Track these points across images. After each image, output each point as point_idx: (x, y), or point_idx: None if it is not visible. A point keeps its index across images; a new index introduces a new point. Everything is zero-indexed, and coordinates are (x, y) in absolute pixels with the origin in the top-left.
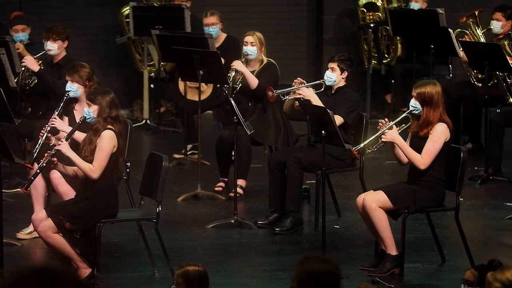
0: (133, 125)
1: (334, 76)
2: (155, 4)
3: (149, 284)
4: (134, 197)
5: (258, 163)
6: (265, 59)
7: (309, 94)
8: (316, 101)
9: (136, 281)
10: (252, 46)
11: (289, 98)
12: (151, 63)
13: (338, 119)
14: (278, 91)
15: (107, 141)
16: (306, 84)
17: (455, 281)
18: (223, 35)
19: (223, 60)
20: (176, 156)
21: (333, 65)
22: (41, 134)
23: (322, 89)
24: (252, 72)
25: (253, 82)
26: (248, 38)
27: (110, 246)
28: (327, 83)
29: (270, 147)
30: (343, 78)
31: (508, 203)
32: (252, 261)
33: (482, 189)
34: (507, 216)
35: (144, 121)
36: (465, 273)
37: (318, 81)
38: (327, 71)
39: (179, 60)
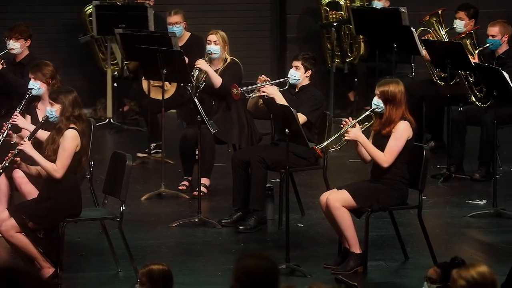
0: (97, 124)
1: (298, 75)
2: (118, 3)
3: (112, 283)
4: (98, 196)
5: (222, 162)
6: (229, 58)
7: (273, 92)
8: (280, 99)
9: (99, 280)
10: (215, 45)
11: (253, 95)
12: (115, 62)
13: (302, 118)
14: (243, 89)
15: (70, 140)
16: (270, 82)
17: (418, 278)
18: (187, 34)
19: (186, 59)
20: (140, 155)
21: (297, 63)
22: (1, 131)
23: (286, 87)
24: (216, 70)
25: (217, 80)
26: (212, 37)
27: (74, 245)
28: (291, 82)
29: (234, 146)
30: (307, 77)
31: (470, 201)
32: (216, 259)
33: (445, 187)
34: (469, 214)
35: (107, 120)
36: (428, 270)
37: (282, 79)
38: (291, 69)
39: (142, 59)
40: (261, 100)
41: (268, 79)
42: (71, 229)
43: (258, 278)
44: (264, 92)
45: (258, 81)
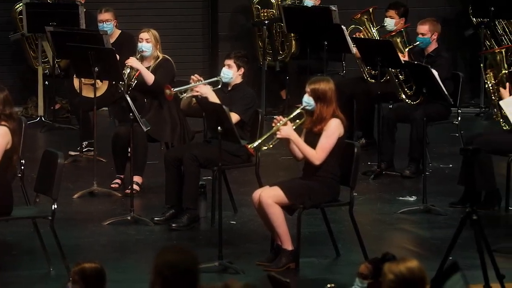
0: (28, 122)
1: (230, 73)
2: (49, 1)
3: (44, 281)
4: (29, 194)
5: (155, 160)
6: (161, 56)
7: (206, 91)
8: (213, 98)
9: (31, 279)
10: (147, 43)
11: (187, 96)
12: (46, 60)
13: (235, 117)
14: (176, 89)
15: (1, 138)
16: (203, 82)
17: (349, 274)
18: (117, 32)
19: (118, 57)
20: (72, 153)
21: (230, 62)
22: None
23: (219, 86)
24: (148, 68)
25: (149, 78)
26: (143, 35)
27: (5, 244)
28: (224, 80)
29: (167, 144)
30: (239, 75)
31: (400, 197)
32: (149, 257)
33: (375, 184)
34: (400, 210)
35: (38, 118)
36: (359, 266)
37: (215, 78)
38: (223, 68)
39: (73, 57)
40: (194, 100)
41: (201, 79)
42: (2, 227)
43: (180, 271)
44: (197, 91)
45: (190, 80)
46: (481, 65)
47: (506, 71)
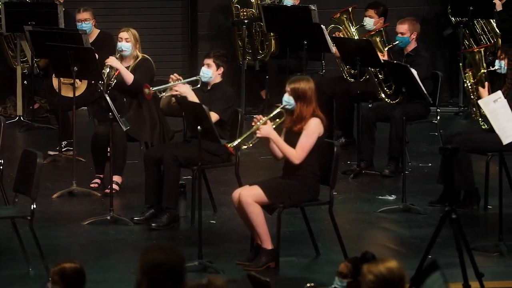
0: (6, 122)
1: (210, 72)
2: (27, 0)
3: (23, 282)
4: (8, 194)
5: (134, 159)
6: (140, 55)
7: (185, 90)
8: (193, 98)
9: (10, 279)
10: (126, 42)
11: (166, 95)
12: (24, 59)
13: (214, 116)
14: (155, 88)
15: None
16: (182, 81)
17: (329, 274)
18: (96, 31)
19: (97, 56)
20: (51, 153)
21: (209, 61)
22: None
23: (198, 86)
24: (127, 68)
25: (128, 78)
26: (123, 34)
27: None
28: (203, 79)
29: (146, 143)
30: (219, 74)
31: (380, 196)
32: (128, 257)
33: (355, 183)
34: (379, 209)
35: (17, 117)
36: (339, 265)
37: (194, 78)
38: (203, 67)
39: (52, 56)
40: (173, 99)
41: (180, 78)
42: None
43: (166, 271)
44: (176, 91)
45: (170, 80)
46: (460, 64)
47: (485, 70)
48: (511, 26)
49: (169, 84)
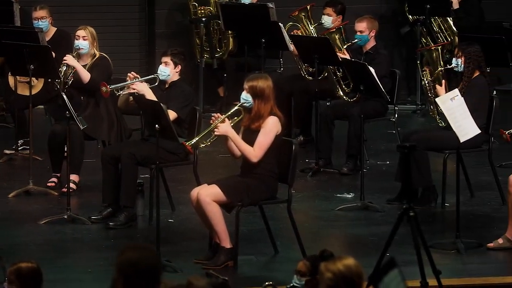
0: None
1: (167, 70)
2: None
3: None
4: None
5: (91, 158)
6: (98, 53)
7: (143, 88)
8: (150, 96)
9: None
10: (84, 40)
11: (123, 93)
12: None
13: (172, 114)
14: (112, 87)
15: None
16: (140, 79)
17: (287, 272)
18: (53, 29)
19: (53, 54)
20: (7, 151)
21: (166, 59)
22: None
23: (156, 84)
24: (84, 66)
25: (85, 76)
26: (80, 32)
27: None
28: (161, 78)
29: (104, 142)
30: (176, 72)
31: (338, 194)
32: (86, 256)
33: (313, 181)
34: (338, 207)
35: None
36: (297, 264)
37: (152, 76)
38: (160, 65)
39: (8, 54)
40: (131, 97)
41: (138, 76)
42: None
43: (141, 270)
44: (134, 89)
45: (127, 78)
46: (418, 62)
47: (442, 68)
48: (467, 24)
49: (127, 82)
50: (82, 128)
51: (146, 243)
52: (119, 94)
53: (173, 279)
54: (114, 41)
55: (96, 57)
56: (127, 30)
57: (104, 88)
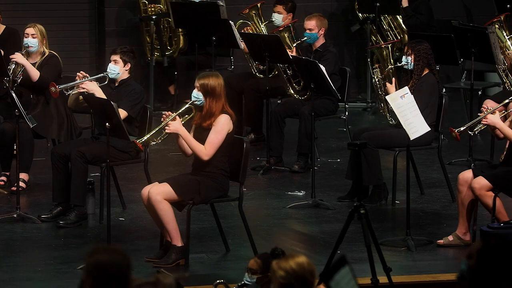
0: None
1: (117, 69)
2: None
3: None
4: None
5: (41, 157)
6: (47, 51)
7: (92, 88)
8: (100, 95)
9: None
10: (33, 38)
11: (73, 92)
12: None
13: (123, 113)
14: (61, 86)
15: None
16: (89, 78)
17: (239, 270)
18: (2, 27)
19: (2, 52)
20: None
21: (116, 57)
22: None
23: (106, 82)
24: (34, 64)
25: (34, 74)
26: (29, 30)
27: None
28: (110, 76)
29: (53, 140)
30: (126, 70)
31: (289, 192)
32: (36, 255)
33: (265, 179)
34: (289, 205)
35: None
36: (249, 261)
37: (101, 74)
38: (110, 63)
39: None
40: (81, 96)
41: (87, 75)
42: None
43: (110, 272)
44: (83, 88)
45: (77, 77)
46: (368, 60)
47: (392, 66)
48: (417, 22)
49: (76, 82)
50: (31, 126)
51: (116, 245)
52: (69, 94)
53: None
54: (64, 39)
55: (46, 55)
56: (77, 28)
57: (53, 88)
